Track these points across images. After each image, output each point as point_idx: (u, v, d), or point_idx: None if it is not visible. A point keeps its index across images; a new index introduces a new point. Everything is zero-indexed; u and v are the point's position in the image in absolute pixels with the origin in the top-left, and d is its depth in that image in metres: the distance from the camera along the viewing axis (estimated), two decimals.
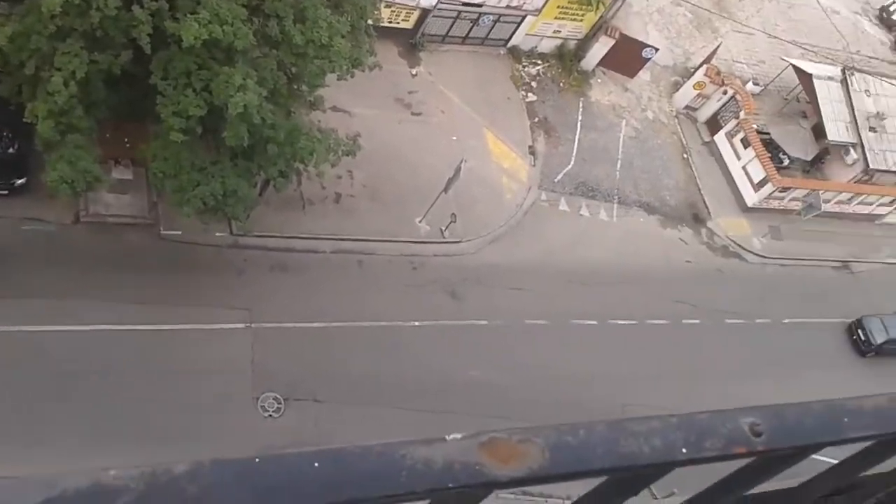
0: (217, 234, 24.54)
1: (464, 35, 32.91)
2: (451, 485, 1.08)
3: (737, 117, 36.03)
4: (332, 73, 21.66)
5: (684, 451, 1.25)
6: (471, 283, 27.64)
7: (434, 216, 27.99)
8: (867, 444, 1.61)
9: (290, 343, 23.85)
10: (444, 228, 28.25)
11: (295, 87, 22.46)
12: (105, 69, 19.67)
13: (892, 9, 46.88)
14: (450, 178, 26.94)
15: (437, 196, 27.24)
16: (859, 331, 32.99)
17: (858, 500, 2.15)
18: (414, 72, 31.96)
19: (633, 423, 1.25)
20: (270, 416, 22.86)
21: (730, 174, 36.09)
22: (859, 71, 38.64)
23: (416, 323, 25.91)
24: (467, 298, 27.30)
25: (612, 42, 34.72)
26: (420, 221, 28.15)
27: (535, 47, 34.72)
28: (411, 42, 32.14)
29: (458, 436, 1.13)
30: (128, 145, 24.16)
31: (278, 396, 23.09)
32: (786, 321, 32.63)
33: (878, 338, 32.48)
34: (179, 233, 24.11)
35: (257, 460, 1.00)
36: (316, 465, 1.04)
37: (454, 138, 30.56)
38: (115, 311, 22.55)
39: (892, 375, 31.91)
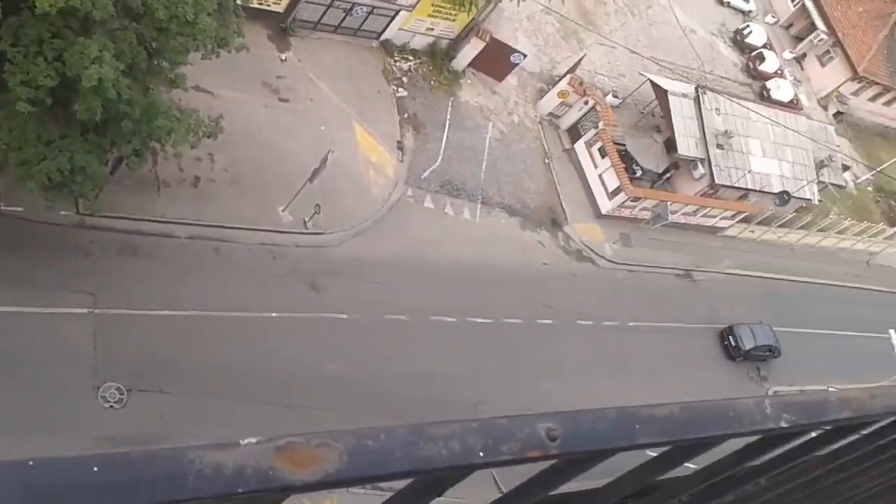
0: (62, 212, 23.16)
1: (336, 24, 32.59)
2: (241, 489, 1.06)
3: (596, 127, 37.41)
4: (196, 52, 20.95)
5: (482, 454, 1.28)
6: (332, 276, 27.43)
7: (298, 206, 27.58)
8: (666, 448, 1.69)
9: (136, 331, 22.82)
10: (307, 219, 27.89)
11: (155, 63, 21.50)
12: None
13: (745, 32, 50.04)
14: (316, 168, 26.62)
15: (302, 185, 26.86)
16: (730, 337, 36.23)
17: (660, 501, 2.29)
18: (283, 57, 31.37)
19: (433, 427, 1.27)
20: (112, 406, 21.83)
21: (587, 181, 37.44)
22: (711, 90, 40.99)
23: (274, 314, 25.47)
24: (328, 291, 27.09)
25: (482, 45, 35.31)
26: (283, 210, 27.68)
27: (408, 43, 34.84)
28: (282, 26, 31.53)
29: (254, 440, 1.12)
30: None
31: (121, 387, 22.03)
32: (630, 324, 34.27)
33: (747, 344, 35.94)
34: (21, 209, 22.62)
35: (31, 462, 0.94)
36: (95, 469, 0.99)
37: (322, 128, 30.22)
38: None
39: (797, 374, 36.07)
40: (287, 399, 23.51)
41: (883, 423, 2.37)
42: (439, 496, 1.41)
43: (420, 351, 27.48)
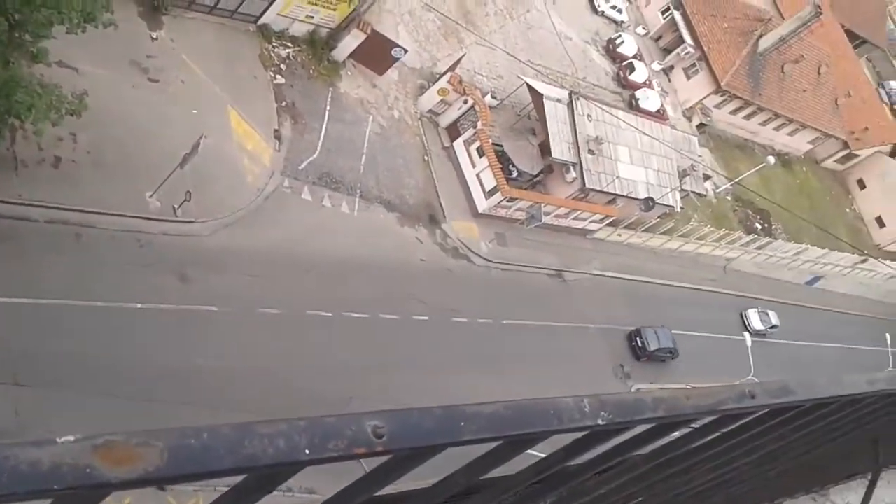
0: None
1: (212, 4, 31.26)
2: (56, 487, 1.10)
3: (475, 127, 37.69)
4: (61, 25, 19.71)
5: (307, 451, 1.34)
6: (202, 267, 26.20)
7: (167, 192, 26.17)
8: (496, 444, 1.82)
9: None
10: (177, 206, 26.52)
11: (17, 35, 20.05)
12: None
13: (617, 42, 51.77)
14: (187, 153, 25.36)
15: (172, 171, 25.51)
16: (637, 339, 38.93)
17: (490, 498, 2.47)
18: (154, 35, 29.77)
19: (259, 425, 1.31)
20: None
21: (465, 180, 37.68)
22: (584, 96, 42.13)
23: (140, 305, 24.04)
24: (198, 282, 25.84)
25: (363, 36, 34.82)
26: (150, 196, 26.20)
27: (287, 29, 33.89)
28: (154, 3, 29.92)
29: (72, 438, 1.14)
30: None
31: None
32: (504, 322, 34.67)
33: (652, 345, 38.75)
34: None
35: None
36: None
37: (194, 111, 28.86)
38: None
39: (659, 373, 38.59)
40: (150, 394, 22.24)
41: (704, 422, 2.63)
42: (269, 493, 1.47)
43: (294, 345, 26.70)
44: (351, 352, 28.00)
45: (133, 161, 26.13)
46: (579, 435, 2.10)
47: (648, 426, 2.32)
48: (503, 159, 38.77)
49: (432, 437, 1.55)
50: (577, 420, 1.83)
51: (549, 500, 3.20)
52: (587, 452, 2.24)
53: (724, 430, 2.92)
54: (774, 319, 47.39)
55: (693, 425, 2.71)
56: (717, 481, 3.93)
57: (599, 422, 1.88)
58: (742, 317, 46.34)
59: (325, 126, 33.25)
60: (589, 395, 1.90)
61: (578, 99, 41.23)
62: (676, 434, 2.77)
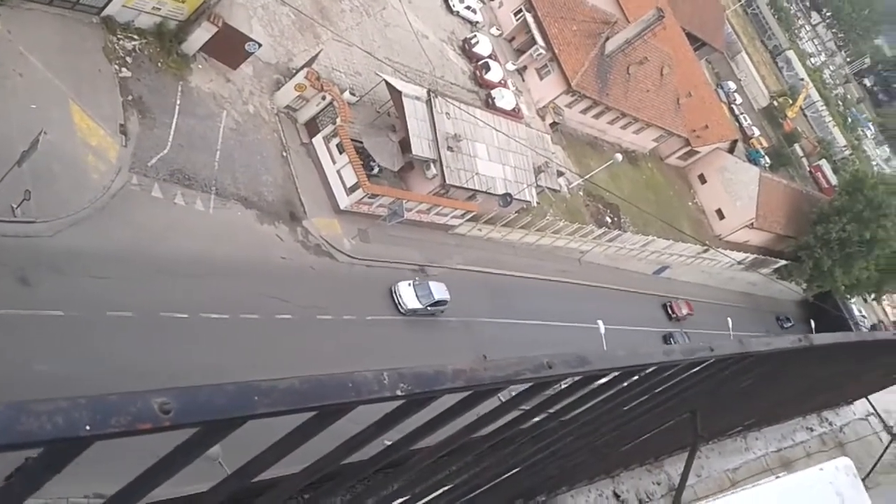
0: None
1: None
2: None
3: (334, 123, 37.44)
4: None
5: (88, 427, 1.36)
6: (45, 269, 24.76)
7: (4, 192, 24.55)
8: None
9: None
10: (15, 206, 24.93)
11: None
12: None
13: (472, 42, 52.70)
14: (25, 150, 23.89)
15: (9, 169, 23.96)
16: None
17: (340, 485, 2.54)
18: None
19: (38, 403, 1.33)
20: None
21: (325, 176, 37.38)
22: (442, 95, 42.65)
23: None
24: (40, 285, 24.39)
25: (214, 29, 33.85)
26: None
27: (132, 21, 32.48)
28: None
29: None
30: None
31: None
32: (368, 318, 34.70)
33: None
34: None
35: None
36: None
37: (33, 106, 27.21)
38: None
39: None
40: None
41: (516, 394, 2.80)
42: (58, 473, 1.48)
43: (146, 349, 25.65)
44: (210, 354, 27.21)
45: None
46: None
47: (458, 399, 2.45)
48: (364, 156, 38.73)
49: (224, 412, 1.58)
50: (377, 392, 1.90)
51: (397, 484, 3.32)
52: (396, 424, 2.33)
53: (537, 404, 3.12)
54: (440, 293, 38.07)
55: (503, 398, 2.88)
56: (545, 453, 4.16)
57: (398, 392, 1.96)
58: (392, 293, 37.02)
59: (175, 121, 32.09)
60: (388, 368, 1.99)
61: (437, 97, 41.70)
62: (491, 408, 2.93)
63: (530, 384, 2.64)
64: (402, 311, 36.74)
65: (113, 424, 1.40)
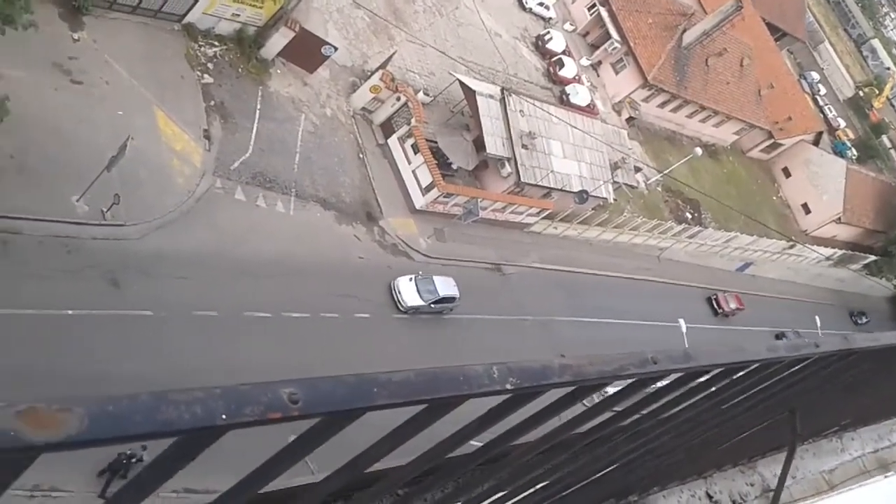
0: None
1: (135, 4, 30.58)
2: None
3: (408, 123, 37.71)
4: None
5: (224, 417, 1.40)
6: (134, 271, 25.65)
7: (94, 196, 25.55)
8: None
9: None
10: (105, 210, 25.91)
11: None
12: None
13: (546, 38, 52.37)
14: (113, 155, 24.80)
15: (99, 174, 24.91)
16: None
17: (439, 481, 2.55)
18: (76, 37, 29.01)
19: (176, 393, 1.37)
20: None
21: (401, 176, 37.69)
22: (515, 92, 42.51)
23: (71, 312, 23.41)
24: (130, 287, 25.28)
25: (292, 34, 34.51)
26: (77, 200, 25.55)
27: (213, 28, 33.38)
28: (74, 4, 29.13)
29: (2, 403, 1.19)
30: None
31: None
32: (446, 317, 34.81)
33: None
34: None
35: None
36: None
37: (120, 113, 28.22)
38: None
39: None
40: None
41: (617, 391, 2.78)
42: (192, 460, 1.52)
43: (232, 347, 26.33)
44: (292, 352, 27.75)
45: (58, 165, 25.45)
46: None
47: (563, 393, 2.41)
48: (438, 155, 38.89)
49: (346, 402, 1.61)
50: (487, 385, 1.91)
51: (491, 481, 3.31)
52: (501, 419, 2.32)
53: (638, 400, 3.05)
54: (447, 289, 34.48)
55: (607, 393, 2.83)
56: (641, 451, 4.08)
57: (507, 386, 1.96)
58: (392, 290, 33.56)
59: (256, 125, 32.86)
60: (498, 362, 1.98)
61: (510, 95, 41.59)
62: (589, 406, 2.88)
63: (632, 380, 2.59)
64: (401, 308, 33.03)
65: (247, 413, 1.43)
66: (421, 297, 33.25)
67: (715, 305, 51.72)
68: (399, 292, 33.19)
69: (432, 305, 33.58)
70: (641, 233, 48.16)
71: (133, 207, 26.70)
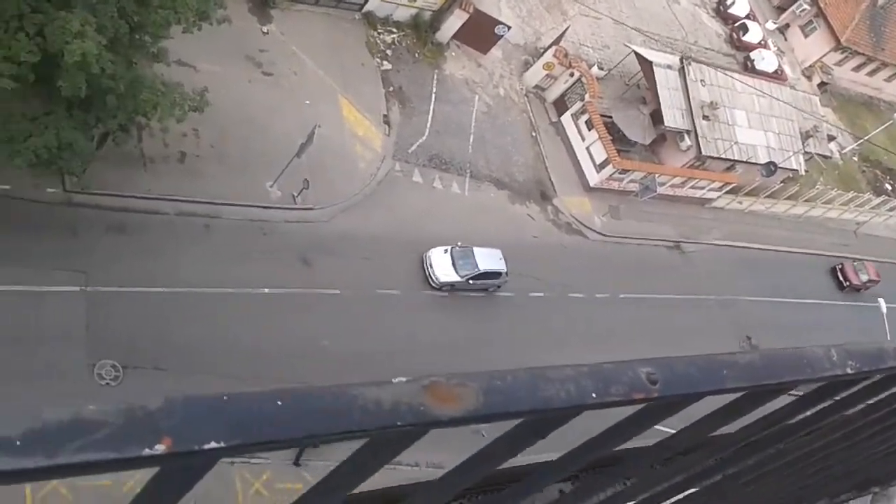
0: (49, 190, 22.83)
1: None
2: (399, 423, 1.14)
3: (582, 100, 37.21)
4: (178, 25, 20.63)
5: (594, 395, 1.37)
6: (323, 251, 27.20)
7: (285, 181, 27.27)
8: (736, 395, 1.80)
9: (129, 308, 22.52)
10: (296, 194, 27.60)
11: (137, 37, 21.10)
12: None
13: (728, 2, 49.87)
14: (303, 142, 26.29)
15: (290, 161, 26.54)
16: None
17: (704, 457, 2.45)
18: (265, 30, 30.89)
19: (550, 370, 1.35)
20: (108, 384, 21.56)
21: (574, 154, 37.31)
22: (696, 61, 40.83)
23: (267, 290, 25.23)
24: (319, 266, 26.85)
25: (466, 16, 34.93)
26: (271, 186, 27.37)
27: (391, 15, 34.41)
28: None
29: (404, 379, 1.20)
30: None
31: (116, 364, 21.77)
32: (622, 296, 34.29)
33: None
34: (8, 187, 22.22)
35: (225, 398, 1.04)
36: (279, 402, 1.08)
37: (307, 102, 29.84)
38: None
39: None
40: (281, 375, 23.31)
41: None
42: (543, 438, 1.50)
43: (412, 325, 27.37)
44: (467, 329, 28.48)
45: (253, 153, 27.32)
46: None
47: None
48: (613, 131, 38.18)
49: (699, 384, 1.55)
50: (827, 369, 1.82)
51: (753, 460, 3.03)
52: (815, 407, 2.24)
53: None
54: (490, 262, 29.77)
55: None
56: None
57: (848, 370, 1.88)
58: (423, 263, 29.16)
59: (432, 108, 33.69)
60: (834, 344, 1.93)
61: (690, 64, 39.98)
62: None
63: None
64: (433, 284, 28.80)
65: (612, 393, 1.39)
66: (456, 271, 28.94)
67: (841, 277, 43.33)
68: (431, 266, 28.92)
69: (470, 282, 29.16)
70: (836, 206, 45.10)
71: (321, 191, 28.24)
